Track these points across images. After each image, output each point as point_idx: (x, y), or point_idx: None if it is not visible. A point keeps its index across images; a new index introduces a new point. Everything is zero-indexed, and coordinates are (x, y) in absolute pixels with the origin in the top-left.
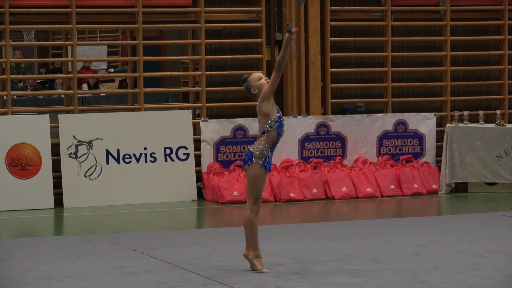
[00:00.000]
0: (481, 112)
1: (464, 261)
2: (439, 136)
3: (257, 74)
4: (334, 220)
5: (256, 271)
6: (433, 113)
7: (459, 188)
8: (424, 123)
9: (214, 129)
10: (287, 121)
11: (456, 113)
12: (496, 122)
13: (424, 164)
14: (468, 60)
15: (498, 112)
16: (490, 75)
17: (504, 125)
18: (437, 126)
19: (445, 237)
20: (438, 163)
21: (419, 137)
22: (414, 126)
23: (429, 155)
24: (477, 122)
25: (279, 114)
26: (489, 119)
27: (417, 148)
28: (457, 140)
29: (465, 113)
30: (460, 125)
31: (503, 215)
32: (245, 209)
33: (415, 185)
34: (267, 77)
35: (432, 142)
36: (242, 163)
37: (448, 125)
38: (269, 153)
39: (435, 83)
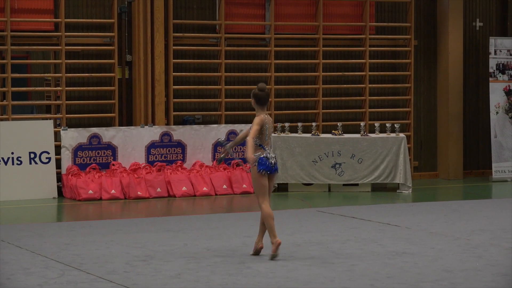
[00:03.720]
0: (299, 124)
1: (284, 249)
2: None
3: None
4: (175, 215)
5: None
6: None
7: (281, 188)
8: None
9: (73, 137)
10: (135, 131)
11: (279, 124)
12: (312, 132)
13: None
14: (289, 80)
15: (313, 124)
16: (307, 92)
17: (318, 135)
18: None
19: None
20: None
21: (244, 145)
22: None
23: None
24: (296, 132)
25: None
26: (306, 130)
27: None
28: (279, 147)
29: (286, 124)
30: (282, 134)
31: (318, 210)
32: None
33: (244, 185)
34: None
35: None
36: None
37: (272, 134)
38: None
39: None
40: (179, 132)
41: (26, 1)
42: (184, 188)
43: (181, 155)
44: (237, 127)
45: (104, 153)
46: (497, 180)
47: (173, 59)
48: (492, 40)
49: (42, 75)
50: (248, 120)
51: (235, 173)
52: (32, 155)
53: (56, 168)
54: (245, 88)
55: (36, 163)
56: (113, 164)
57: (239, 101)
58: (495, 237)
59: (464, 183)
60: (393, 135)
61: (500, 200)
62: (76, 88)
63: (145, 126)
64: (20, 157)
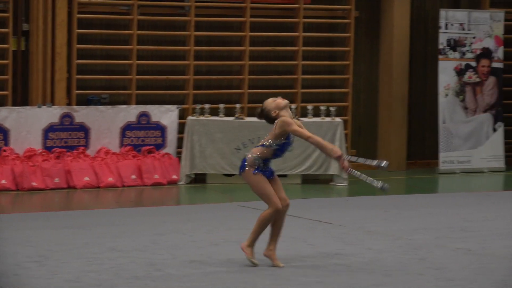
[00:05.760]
0: (221, 106)
1: (200, 249)
2: (181, 128)
3: (269, 100)
4: (75, 209)
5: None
6: (175, 106)
7: (199, 179)
8: (166, 115)
9: None
10: (31, 111)
11: (198, 106)
12: (236, 115)
13: (165, 155)
14: (211, 55)
15: (237, 106)
16: (231, 70)
17: (243, 119)
18: (179, 119)
19: (183, 226)
20: (179, 154)
21: (161, 129)
22: (157, 118)
23: (171, 147)
24: (218, 115)
25: (285, 141)
26: (229, 112)
27: (159, 139)
28: (197, 132)
29: (206, 106)
30: (201, 117)
31: (239, 205)
32: None
33: (156, 176)
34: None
35: (173, 134)
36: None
37: (189, 117)
38: (262, 163)
39: (178, 77)
40: (82, 114)
41: None
42: (86, 178)
43: (84, 140)
44: (149, 108)
45: None
46: (444, 172)
47: (77, 29)
48: (443, 13)
49: None
50: (164, 101)
51: (146, 162)
52: None
53: None
54: (160, 64)
55: None
56: (4, 150)
57: (153, 79)
58: (440, 236)
59: (407, 175)
60: (328, 119)
61: (448, 195)
62: None
63: (43, 106)
64: None
